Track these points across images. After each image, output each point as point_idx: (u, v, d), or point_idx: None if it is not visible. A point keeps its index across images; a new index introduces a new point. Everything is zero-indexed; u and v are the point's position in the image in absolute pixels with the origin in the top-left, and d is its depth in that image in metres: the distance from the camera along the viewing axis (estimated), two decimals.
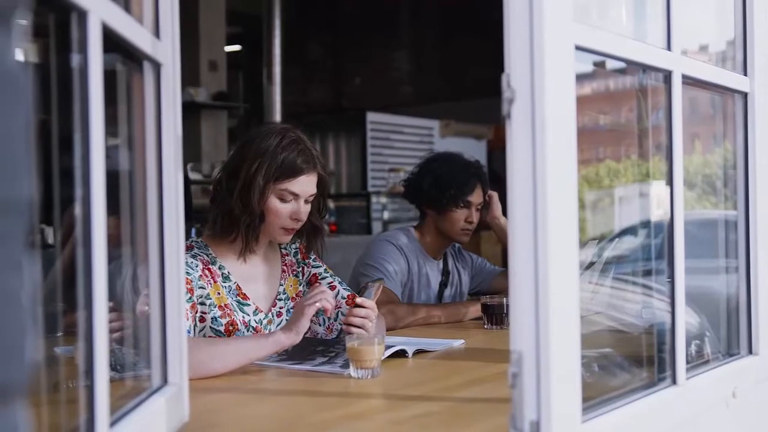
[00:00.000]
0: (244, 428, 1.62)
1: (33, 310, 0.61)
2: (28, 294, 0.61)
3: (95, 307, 1.03)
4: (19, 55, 0.63)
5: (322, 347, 2.17)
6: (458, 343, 2.39)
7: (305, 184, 2.26)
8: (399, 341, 2.23)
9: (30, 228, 0.62)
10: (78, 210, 1.03)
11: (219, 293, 2.24)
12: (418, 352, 2.22)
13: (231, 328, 2.23)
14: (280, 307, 2.39)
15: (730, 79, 1.81)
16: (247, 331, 2.26)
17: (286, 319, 2.35)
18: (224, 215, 2.26)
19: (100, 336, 1.04)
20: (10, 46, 0.61)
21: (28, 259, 0.61)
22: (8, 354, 0.59)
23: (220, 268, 2.28)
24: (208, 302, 2.20)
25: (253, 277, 2.35)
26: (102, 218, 1.04)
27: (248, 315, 2.28)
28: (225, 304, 2.24)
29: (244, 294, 2.30)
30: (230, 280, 2.28)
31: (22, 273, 0.60)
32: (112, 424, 1.10)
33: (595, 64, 1.53)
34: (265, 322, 2.32)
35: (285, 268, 2.44)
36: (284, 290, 2.42)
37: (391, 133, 8.25)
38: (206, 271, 2.23)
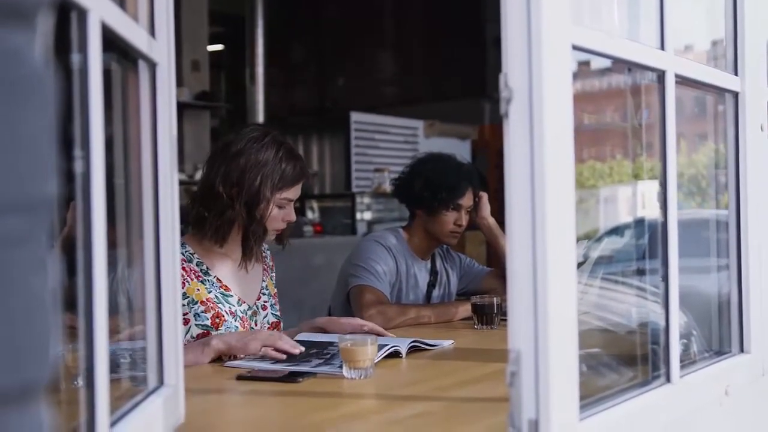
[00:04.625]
0: (239, 429, 1.61)
1: (55, 309, 0.61)
2: (51, 293, 0.61)
3: (95, 308, 1.03)
4: (44, 54, 0.63)
5: (315, 350, 2.16)
6: (448, 344, 2.40)
7: (299, 190, 2.40)
8: (390, 341, 2.23)
9: (51, 227, 0.62)
10: (78, 210, 1.02)
11: (199, 289, 2.30)
12: (413, 350, 2.24)
13: (218, 320, 2.30)
14: (264, 301, 2.48)
15: (722, 78, 1.82)
16: (234, 320, 2.33)
17: (272, 313, 2.47)
18: (226, 224, 2.32)
19: (100, 337, 1.03)
20: (35, 46, 0.61)
21: (50, 258, 0.61)
22: (33, 354, 0.59)
23: (198, 265, 2.34)
24: (186, 300, 2.25)
25: (236, 271, 2.42)
26: (102, 218, 1.03)
27: (233, 305, 2.35)
28: (207, 299, 2.31)
29: (226, 286, 2.37)
30: (210, 275, 2.35)
31: (46, 273, 0.60)
32: (112, 424, 1.09)
33: (580, 62, 1.53)
34: (249, 313, 2.40)
35: (265, 266, 2.54)
36: (266, 286, 2.51)
37: (375, 133, 8.24)
38: (181, 270, 2.26)
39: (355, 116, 8.15)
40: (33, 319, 0.59)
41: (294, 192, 2.38)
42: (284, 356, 2.07)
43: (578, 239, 2.20)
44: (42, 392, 0.60)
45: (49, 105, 0.63)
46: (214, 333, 2.25)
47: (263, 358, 2.09)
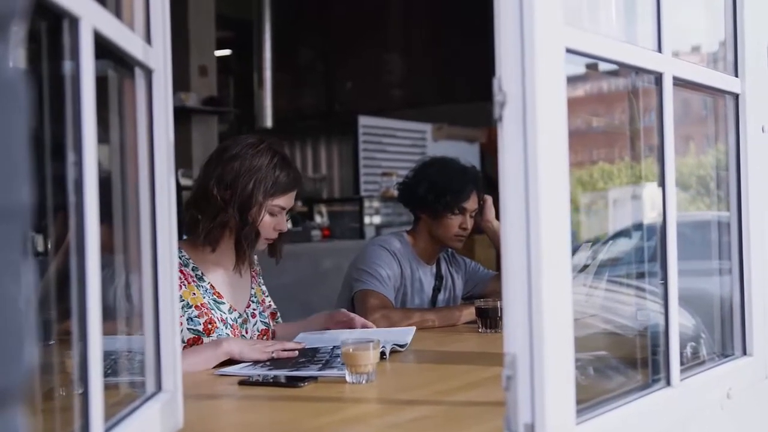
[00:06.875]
0: None
1: (30, 315, 0.61)
2: (26, 299, 0.61)
3: (89, 314, 1.03)
4: (17, 63, 0.63)
5: (304, 358, 2.16)
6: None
7: (292, 199, 2.42)
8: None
9: (28, 234, 0.62)
10: (71, 217, 1.02)
11: (194, 293, 2.33)
12: (393, 352, 2.26)
13: (210, 326, 2.31)
14: (253, 309, 2.50)
15: (721, 80, 1.82)
16: (226, 328, 2.34)
17: (261, 321, 2.49)
18: (218, 227, 2.34)
19: (94, 343, 1.04)
20: (8, 53, 0.62)
21: (26, 265, 0.62)
22: (6, 359, 0.59)
23: (193, 270, 2.37)
24: (181, 304, 2.26)
25: (227, 279, 2.44)
26: (95, 225, 1.04)
27: (224, 313, 2.37)
28: (201, 304, 2.33)
29: (219, 293, 2.39)
30: (205, 281, 2.37)
31: (21, 278, 0.61)
32: (108, 430, 1.10)
33: (588, 66, 1.53)
34: (240, 321, 2.42)
35: (254, 274, 2.56)
36: (254, 293, 2.53)
37: (383, 137, 8.24)
38: (178, 273, 2.27)
39: (363, 120, 8.14)
40: (6, 325, 0.59)
41: (286, 200, 2.39)
42: (296, 353, 2.19)
43: (586, 241, 2.19)
44: (16, 399, 0.61)
45: (22, 113, 0.63)
46: (206, 339, 2.27)
47: (255, 364, 2.10)
